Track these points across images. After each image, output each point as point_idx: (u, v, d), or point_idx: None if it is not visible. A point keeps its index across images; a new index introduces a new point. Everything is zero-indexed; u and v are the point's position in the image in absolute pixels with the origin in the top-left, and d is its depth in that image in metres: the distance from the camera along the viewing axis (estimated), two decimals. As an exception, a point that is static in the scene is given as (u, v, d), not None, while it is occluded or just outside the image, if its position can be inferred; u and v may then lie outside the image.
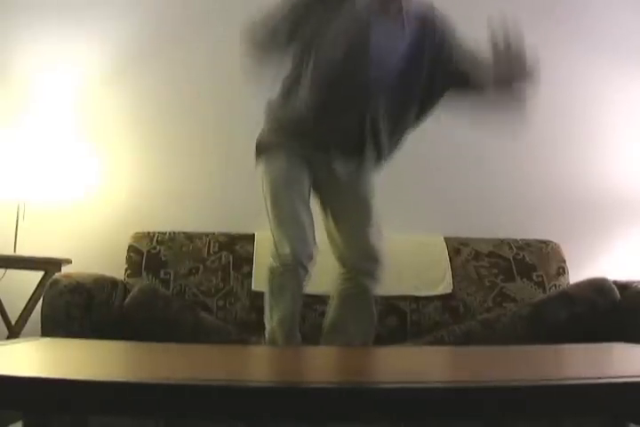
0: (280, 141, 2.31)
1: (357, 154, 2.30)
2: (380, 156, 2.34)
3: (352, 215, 2.34)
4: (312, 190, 2.36)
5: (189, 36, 3.36)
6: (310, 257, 2.22)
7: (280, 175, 2.27)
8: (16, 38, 3.33)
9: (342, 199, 2.36)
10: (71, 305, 2.43)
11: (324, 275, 2.96)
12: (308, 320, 2.78)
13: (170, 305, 2.58)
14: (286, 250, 2.18)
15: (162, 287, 2.88)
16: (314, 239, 2.25)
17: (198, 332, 2.50)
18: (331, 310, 2.37)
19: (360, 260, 2.31)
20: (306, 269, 2.22)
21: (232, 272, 2.95)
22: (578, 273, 3.12)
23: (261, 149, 2.36)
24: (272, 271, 2.25)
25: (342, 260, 2.35)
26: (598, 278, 2.58)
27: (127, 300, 2.51)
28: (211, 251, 2.99)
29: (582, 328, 2.37)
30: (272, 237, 2.25)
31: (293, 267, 2.19)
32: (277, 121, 2.34)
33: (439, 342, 2.61)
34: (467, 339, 2.51)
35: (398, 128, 2.31)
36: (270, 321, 2.24)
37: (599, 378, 1.07)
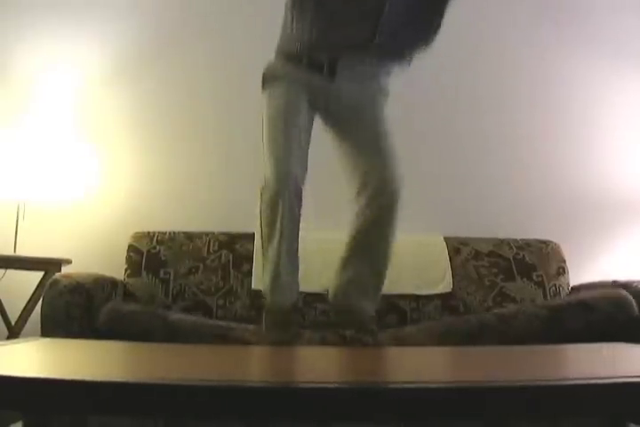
0: (283, 69, 2.27)
1: (366, 58, 2.24)
2: (389, 64, 2.29)
3: (363, 142, 2.28)
4: (321, 119, 2.31)
5: (189, 37, 3.36)
6: (299, 192, 2.14)
7: (280, 108, 2.22)
8: (16, 39, 3.33)
9: (350, 127, 2.30)
10: (71, 305, 2.42)
11: (324, 274, 2.97)
12: (308, 318, 2.79)
13: (137, 318, 2.47)
14: (276, 183, 2.11)
15: (162, 287, 2.89)
16: (304, 178, 2.18)
17: (174, 336, 2.43)
18: (343, 252, 2.27)
19: (382, 181, 2.20)
20: (296, 203, 2.13)
21: (232, 271, 2.95)
22: (578, 273, 3.12)
23: (265, 80, 2.30)
24: (262, 206, 2.16)
25: (360, 186, 2.23)
26: (617, 293, 2.54)
27: (99, 323, 2.44)
28: (210, 250, 3.00)
29: (597, 337, 2.35)
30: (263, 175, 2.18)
31: (283, 198, 2.10)
32: (285, 37, 2.28)
33: (453, 327, 2.55)
34: (480, 330, 2.48)
35: (410, 31, 2.25)
36: (264, 272, 2.17)
37: (599, 378, 1.07)
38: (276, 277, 2.12)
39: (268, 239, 2.15)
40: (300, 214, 2.16)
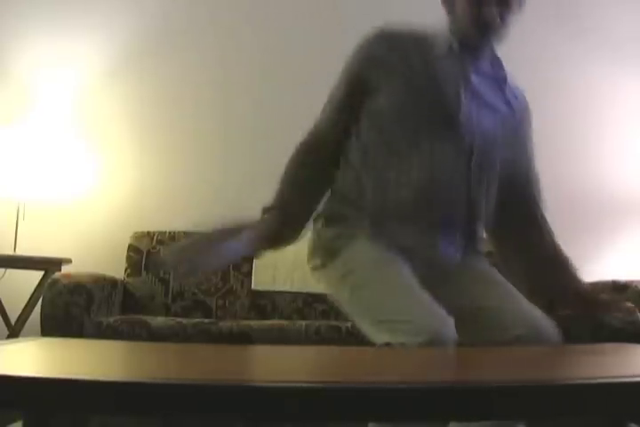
0: (368, 231, 1.74)
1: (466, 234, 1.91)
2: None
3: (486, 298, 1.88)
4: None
5: (190, 34, 3.36)
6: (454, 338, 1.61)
7: (371, 265, 1.69)
8: (15, 36, 3.33)
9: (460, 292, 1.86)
10: (71, 305, 2.43)
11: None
12: (308, 318, 2.78)
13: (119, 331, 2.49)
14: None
15: (162, 287, 2.90)
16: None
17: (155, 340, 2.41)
18: None
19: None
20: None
21: (232, 271, 2.95)
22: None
23: (336, 246, 1.76)
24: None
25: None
26: (629, 307, 2.53)
27: None
28: (211, 250, 2.99)
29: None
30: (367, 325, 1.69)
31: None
32: (372, 205, 1.77)
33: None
34: None
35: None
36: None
37: (599, 378, 1.07)
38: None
39: None
40: None
